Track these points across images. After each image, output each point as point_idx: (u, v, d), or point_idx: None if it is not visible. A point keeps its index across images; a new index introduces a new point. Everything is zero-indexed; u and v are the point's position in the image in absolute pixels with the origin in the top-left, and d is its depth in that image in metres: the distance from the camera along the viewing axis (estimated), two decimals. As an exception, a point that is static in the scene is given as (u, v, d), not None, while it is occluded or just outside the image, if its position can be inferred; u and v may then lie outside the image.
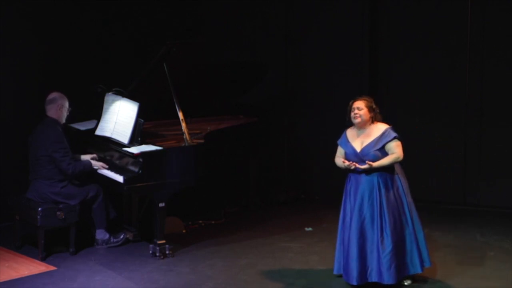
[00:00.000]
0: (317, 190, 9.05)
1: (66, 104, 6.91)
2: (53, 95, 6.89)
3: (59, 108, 6.86)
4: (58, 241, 6.98)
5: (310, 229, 7.74)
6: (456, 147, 8.54)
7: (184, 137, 6.87)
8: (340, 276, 6.12)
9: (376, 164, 5.84)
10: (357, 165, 5.86)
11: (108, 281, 6.25)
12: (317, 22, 8.93)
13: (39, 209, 6.65)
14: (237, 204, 8.60)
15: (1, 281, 6.17)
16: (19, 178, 7.15)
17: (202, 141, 7.08)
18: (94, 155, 7.08)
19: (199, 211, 8.19)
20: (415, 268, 5.99)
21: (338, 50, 8.85)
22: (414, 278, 6.10)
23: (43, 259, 6.70)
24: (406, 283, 6.04)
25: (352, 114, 5.98)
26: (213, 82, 7.79)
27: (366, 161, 5.84)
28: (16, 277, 6.28)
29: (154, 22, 8.78)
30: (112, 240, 7.06)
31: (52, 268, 6.53)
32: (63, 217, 6.73)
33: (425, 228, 7.40)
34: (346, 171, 6.04)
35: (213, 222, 7.96)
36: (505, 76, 8.28)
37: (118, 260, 6.75)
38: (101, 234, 7.03)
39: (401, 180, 5.98)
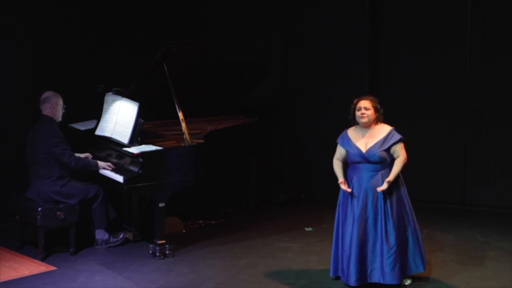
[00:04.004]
0: (317, 190, 9.05)
1: (60, 102, 6.91)
2: (47, 94, 6.90)
3: (53, 106, 6.86)
4: (58, 241, 6.98)
5: (310, 229, 7.74)
6: (456, 147, 8.55)
7: (184, 137, 6.87)
8: (337, 278, 6.12)
9: (392, 178, 5.82)
10: (379, 189, 5.82)
11: (108, 281, 6.25)
12: (317, 22, 8.94)
13: (39, 209, 6.65)
14: (237, 204, 8.60)
15: (1, 281, 6.17)
16: (19, 178, 7.15)
17: (202, 141, 7.08)
18: (87, 154, 7.09)
19: (199, 211, 8.20)
20: (418, 268, 6.00)
21: (338, 50, 8.86)
22: (414, 278, 6.10)
23: (43, 259, 6.70)
24: (406, 283, 6.04)
25: (358, 113, 5.93)
26: (213, 82, 7.79)
27: (385, 181, 5.80)
28: (16, 277, 6.28)
29: (154, 22, 8.78)
30: (111, 240, 7.06)
31: (52, 268, 6.53)
32: (63, 217, 6.73)
33: (425, 228, 7.44)
34: (348, 171, 6.03)
35: (213, 222, 7.97)
36: (505, 77, 8.28)
37: (118, 260, 6.75)
38: (100, 234, 7.03)
39: (402, 180, 5.98)
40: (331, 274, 6.13)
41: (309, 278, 6.30)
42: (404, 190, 5.97)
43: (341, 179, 5.99)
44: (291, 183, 9.12)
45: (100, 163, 6.90)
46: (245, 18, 9.18)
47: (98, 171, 6.88)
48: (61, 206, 6.74)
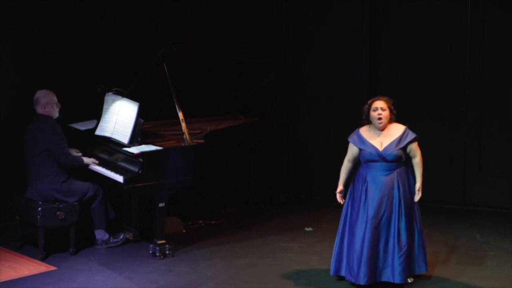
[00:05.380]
0: (317, 190, 9.05)
1: (52, 100, 6.87)
2: (37, 94, 6.87)
3: (44, 106, 6.84)
4: (58, 241, 6.98)
5: (310, 229, 7.74)
6: (456, 147, 8.55)
7: (184, 137, 6.87)
8: (339, 277, 6.12)
9: (420, 183, 5.94)
10: (416, 199, 5.95)
11: (108, 281, 6.25)
12: (317, 22, 8.94)
13: (39, 209, 6.65)
14: (237, 204, 8.60)
15: (1, 281, 6.17)
16: (19, 178, 7.14)
17: (202, 141, 7.08)
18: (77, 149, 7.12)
19: (199, 211, 8.20)
20: (421, 268, 6.04)
21: (338, 50, 8.85)
22: (414, 277, 6.11)
23: (43, 259, 6.70)
24: (409, 281, 6.06)
25: (375, 114, 5.94)
26: (213, 82, 7.79)
27: (417, 190, 5.93)
28: (16, 277, 6.28)
29: (154, 22, 8.78)
30: (111, 240, 7.06)
31: (52, 268, 6.53)
32: (63, 217, 6.73)
33: (425, 228, 7.42)
34: (361, 170, 6.03)
35: (213, 222, 7.97)
36: (505, 77, 8.28)
37: (118, 260, 6.75)
38: (100, 234, 7.04)
39: (412, 179, 6.00)
40: (332, 273, 6.12)
41: (309, 278, 6.30)
42: (414, 190, 6.00)
43: (340, 188, 6.04)
44: (291, 183, 9.11)
45: (86, 160, 6.92)
46: (245, 18, 9.17)
47: (86, 167, 6.89)
48: (61, 206, 6.74)
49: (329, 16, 8.88)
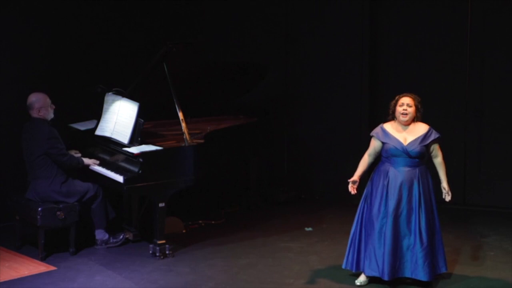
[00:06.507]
0: (317, 190, 9.05)
1: (46, 103, 6.84)
2: (30, 99, 6.83)
3: (39, 111, 6.82)
4: (58, 241, 6.98)
5: (310, 229, 7.74)
6: (456, 147, 8.54)
7: (184, 137, 6.87)
8: (358, 274, 6.12)
9: (447, 183, 6.13)
10: (446, 199, 6.09)
11: (108, 281, 6.25)
12: (317, 22, 8.93)
13: (39, 209, 6.65)
14: (237, 204, 8.60)
15: (1, 281, 6.17)
16: (19, 178, 7.15)
17: (202, 141, 7.08)
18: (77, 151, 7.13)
19: (199, 211, 8.20)
20: (441, 268, 6.07)
21: (338, 50, 8.85)
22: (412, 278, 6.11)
23: (43, 259, 6.70)
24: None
25: (401, 109, 5.98)
26: (213, 82, 7.79)
27: (447, 193, 6.10)
28: (16, 277, 6.28)
29: (154, 22, 8.78)
30: (111, 241, 7.06)
31: (52, 268, 6.53)
32: (63, 217, 6.73)
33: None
34: (381, 166, 6.04)
35: (213, 222, 7.96)
36: (505, 76, 8.28)
37: (118, 260, 6.75)
38: (100, 234, 7.03)
39: (431, 177, 6.02)
40: (354, 270, 6.12)
41: (309, 278, 6.30)
42: (432, 187, 6.04)
43: (354, 178, 6.00)
44: (291, 183, 9.11)
45: (86, 161, 6.92)
46: (245, 18, 9.18)
47: (86, 167, 6.90)
48: (61, 206, 6.74)
49: (329, 16, 8.88)
